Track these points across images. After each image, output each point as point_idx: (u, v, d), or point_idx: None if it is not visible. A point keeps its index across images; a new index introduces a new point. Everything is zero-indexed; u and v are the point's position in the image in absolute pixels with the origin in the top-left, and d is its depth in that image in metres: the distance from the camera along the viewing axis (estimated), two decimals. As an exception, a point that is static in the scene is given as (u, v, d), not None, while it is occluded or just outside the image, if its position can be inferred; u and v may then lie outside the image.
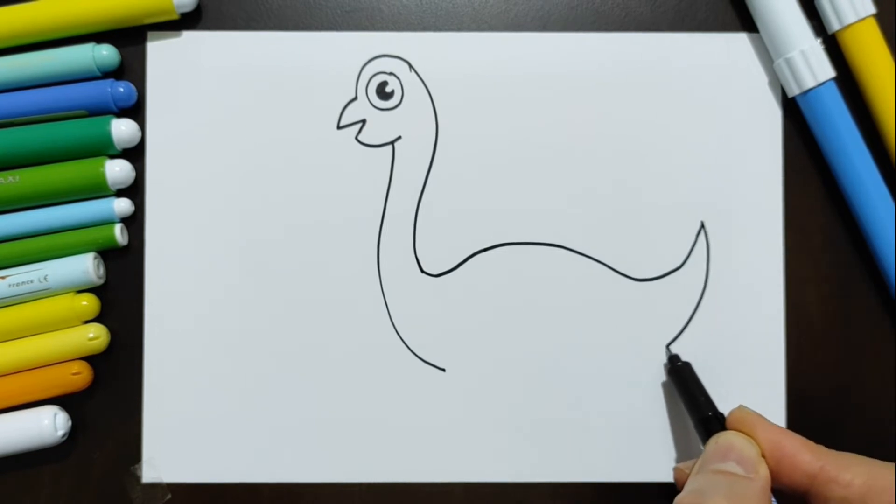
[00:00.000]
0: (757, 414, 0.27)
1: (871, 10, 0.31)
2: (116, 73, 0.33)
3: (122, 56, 0.32)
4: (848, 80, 0.32)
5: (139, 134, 0.32)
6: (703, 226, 0.33)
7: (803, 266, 0.33)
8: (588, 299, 0.33)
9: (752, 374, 0.33)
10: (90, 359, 0.32)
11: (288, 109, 0.33)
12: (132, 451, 0.33)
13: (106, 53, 0.32)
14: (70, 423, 0.32)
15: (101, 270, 0.32)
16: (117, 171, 0.32)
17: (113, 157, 0.32)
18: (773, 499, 0.25)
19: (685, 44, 0.33)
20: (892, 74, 0.31)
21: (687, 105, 0.33)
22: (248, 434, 0.33)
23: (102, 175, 0.31)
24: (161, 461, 0.33)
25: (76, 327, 0.32)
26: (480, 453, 0.33)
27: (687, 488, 0.25)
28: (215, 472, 0.33)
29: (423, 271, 0.33)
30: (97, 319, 0.32)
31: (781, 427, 0.26)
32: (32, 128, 0.32)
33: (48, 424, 0.31)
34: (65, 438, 0.32)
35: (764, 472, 0.25)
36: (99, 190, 0.32)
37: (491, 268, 0.33)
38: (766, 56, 0.33)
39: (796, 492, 0.25)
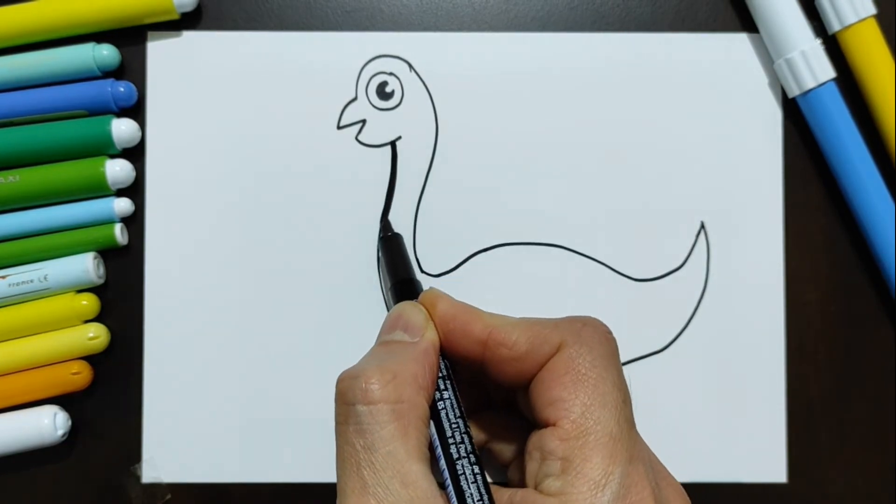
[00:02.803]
0: (444, 293, 0.27)
1: (872, 10, 0.31)
2: (117, 73, 0.33)
3: (122, 56, 0.32)
4: (848, 81, 0.32)
5: (139, 134, 0.32)
6: (703, 226, 0.33)
7: (803, 266, 0.33)
8: (588, 299, 0.33)
9: (752, 374, 0.33)
10: (90, 359, 0.32)
11: (288, 109, 0.33)
12: (132, 450, 0.33)
13: (106, 53, 0.32)
14: (70, 422, 0.32)
15: (101, 270, 0.32)
16: (117, 170, 0.32)
17: (113, 156, 0.32)
18: (442, 360, 0.25)
19: (685, 44, 0.33)
20: (892, 75, 0.31)
21: (687, 105, 0.33)
22: (248, 434, 0.33)
23: (102, 175, 0.31)
24: (161, 461, 0.33)
25: (76, 327, 0.32)
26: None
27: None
28: (215, 472, 0.33)
29: (423, 271, 0.33)
30: (97, 319, 0.32)
31: (467, 304, 0.26)
32: (32, 128, 0.32)
33: (48, 424, 0.31)
34: (65, 438, 0.32)
35: (430, 336, 0.25)
36: (99, 190, 0.32)
37: (491, 268, 0.33)
38: (766, 56, 0.33)
39: (474, 360, 0.25)
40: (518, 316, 0.26)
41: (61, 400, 0.32)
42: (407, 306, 0.26)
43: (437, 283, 0.33)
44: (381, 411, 0.22)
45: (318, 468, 0.33)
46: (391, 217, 0.33)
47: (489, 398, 0.29)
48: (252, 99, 0.33)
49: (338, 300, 0.33)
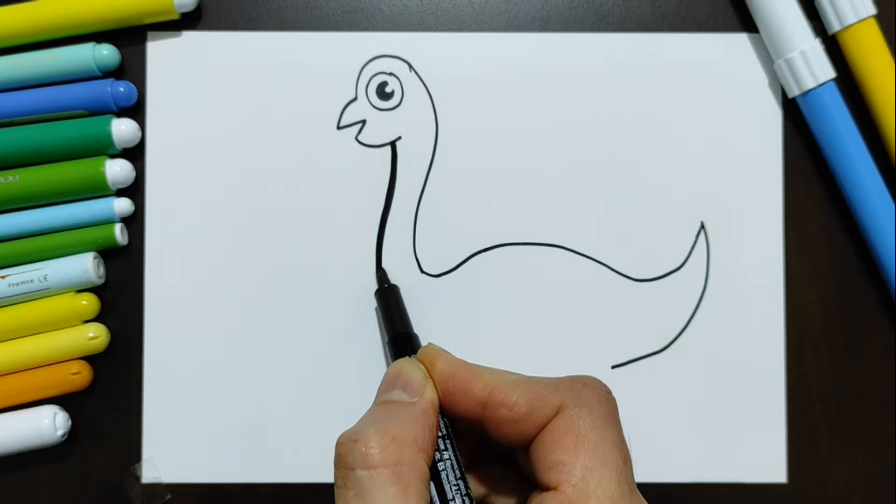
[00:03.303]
0: (442, 349, 0.27)
1: (872, 10, 0.31)
2: (117, 73, 0.33)
3: (122, 56, 0.32)
4: (848, 81, 0.32)
5: (139, 134, 0.32)
6: (703, 226, 0.33)
7: (803, 266, 0.33)
8: (588, 300, 0.33)
9: (752, 374, 0.33)
10: (90, 359, 0.32)
11: (288, 109, 0.33)
12: (132, 450, 0.33)
13: (106, 53, 0.32)
14: (70, 422, 0.32)
15: (101, 270, 0.32)
16: (117, 170, 0.32)
17: (113, 156, 0.32)
18: (442, 419, 0.25)
19: (685, 44, 0.33)
20: (892, 75, 0.31)
21: (687, 105, 0.33)
22: (248, 434, 0.33)
23: (102, 175, 0.31)
24: (161, 461, 0.33)
25: (76, 327, 0.32)
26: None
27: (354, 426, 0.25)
28: (215, 472, 0.33)
29: (423, 271, 0.33)
30: (97, 319, 0.32)
31: (465, 361, 0.26)
32: (32, 128, 0.32)
33: (48, 424, 0.31)
34: (64, 438, 0.32)
35: (429, 395, 0.25)
36: (99, 189, 0.32)
37: (491, 268, 0.33)
38: (767, 56, 0.33)
39: (473, 419, 0.25)
40: (515, 375, 0.26)
41: (61, 400, 0.32)
42: (405, 364, 0.26)
43: (437, 284, 0.33)
44: (381, 475, 0.22)
45: (319, 468, 0.33)
46: (391, 217, 0.33)
47: (487, 451, 0.28)
48: (252, 99, 0.33)
49: (337, 300, 0.33)
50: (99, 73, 0.32)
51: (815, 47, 0.31)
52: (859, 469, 0.33)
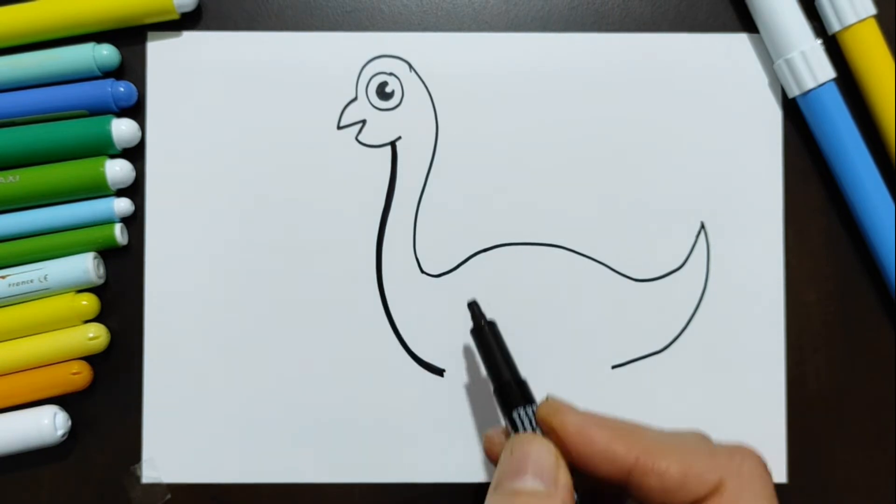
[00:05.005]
0: (564, 404, 0.24)
1: (872, 10, 0.31)
2: (117, 73, 0.33)
3: (122, 56, 0.32)
4: (848, 81, 0.32)
5: (139, 134, 0.32)
6: (703, 226, 0.33)
7: (803, 266, 0.33)
8: (588, 300, 0.33)
9: (752, 374, 0.33)
10: (90, 359, 0.32)
11: (288, 109, 0.33)
12: (132, 451, 0.33)
13: (106, 53, 0.32)
14: (70, 422, 0.32)
15: (101, 270, 0.32)
16: (117, 170, 0.32)
17: (113, 156, 0.32)
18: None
19: (685, 44, 0.33)
20: (892, 75, 0.31)
21: (687, 105, 0.33)
22: (248, 434, 0.33)
23: (102, 175, 0.31)
24: (161, 461, 0.33)
25: (76, 327, 0.32)
26: (480, 454, 0.33)
27: None
28: (215, 472, 0.33)
29: (423, 271, 0.33)
30: (97, 319, 0.32)
31: (592, 415, 0.24)
32: (32, 128, 0.32)
33: (48, 424, 0.31)
34: (64, 438, 0.32)
35: (564, 481, 0.23)
36: (99, 190, 0.32)
37: (491, 268, 0.33)
38: (767, 56, 0.33)
39: (613, 483, 0.23)
40: (662, 435, 0.23)
41: (61, 400, 0.32)
42: (533, 446, 0.24)
43: (437, 284, 0.33)
44: None
45: (318, 468, 0.33)
46: (391, 217, 0.33)
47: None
48: (252, 99, 0.33)
49: (337, 300, 0.33)
50: (99, 73, 0.32)
51: (815, 47, 0.31)
52: (859, 469, 0.33)
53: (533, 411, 0.26)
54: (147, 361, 0.33)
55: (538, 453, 0.23)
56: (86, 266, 0.31)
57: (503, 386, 0.27)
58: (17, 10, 0.32)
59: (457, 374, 0.33)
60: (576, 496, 0.23)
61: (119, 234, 0.32)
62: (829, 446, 0.33)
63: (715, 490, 0.22)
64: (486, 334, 0.28)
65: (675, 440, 0.23)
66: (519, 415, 0.26)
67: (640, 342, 0.33)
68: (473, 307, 0.29)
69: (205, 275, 0.33)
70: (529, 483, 0.23)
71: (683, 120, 0.33)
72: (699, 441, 0.23)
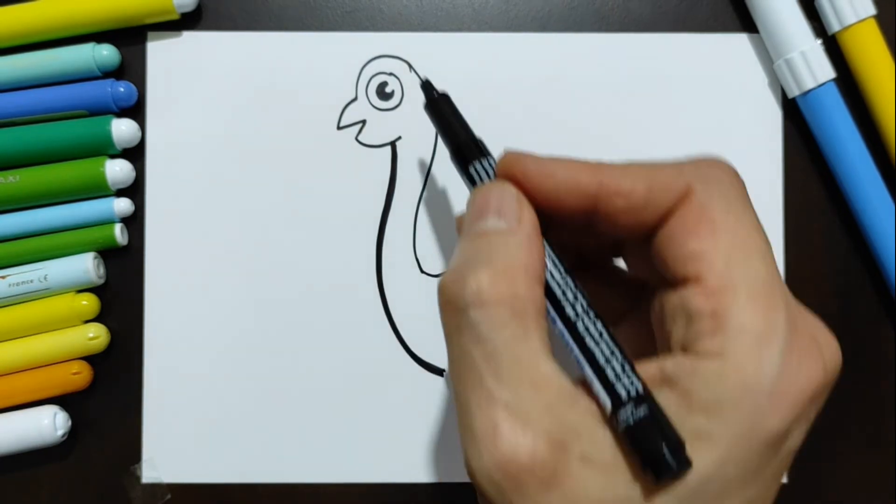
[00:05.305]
0: (523, 152, 0.23)
1: (872, 11, 0.31)
2: (117, 73, 0.33)
3: (122, 56, 0.32)
4: (848, 81, 0.32)
5: (139, 134, 0.32)
6: (703, 226, 0.33)
7: (803, 266, 0.33)
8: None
9: (751, 374, 0.33)
10: (90, 359, 0.32)
11: (288, 109, 0.33)
12: (132, 451, 0.33)
13: (106, 53, 0.32)
14: (70, 422, 0.32)
15: (101, 270, 0.32)
16: (117, 170, 0.32)
17: (113, 156, 0.32)
18: (545, 243, 0.22)
19: (685, 44, 0.33)
20: (892, 75, 0.31)
21: (687, 105, 0.33)
22: (248, 434, 0.33)
23: (102, 175, 0.31)
24: (161, 461, 0.33)
25: (76, 327, 0.32)
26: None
27: (451, 262, 0.22)
28: (215, 472, 0.33)
29: (423, 271, 0.33)
30: (97, 319, 0.32)
31: (556, 156, 0.23)
32: (32, 128, 0.32)
33: (48, 424, 0.31)
34: (64, 438, 0.32)
35: (528, 217, 0.22)
36: (99, 190, 0.32)
37: (491, 268, 0.33)
38: (766, 57, 0.33)
39: (584, 217, 0.22)
40: (623, 161, 0.22)
41: (61, 400, 0.32)
42: (493, 187, 0.23)
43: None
44: (497, 313, 0.20)
45: (318, 468, 0.33)
46: (391, 217, 0.33)
47: (579, 261, 0.25)
48: (252, 99, 0.33)
49: (337, 300, 0.33)
50: (99, 73, 0.32)
51: (815, 47, 0.31)
52: (859, 469, 0.33)
53: (490, 164, 0.25)
54: (147, 361, 0.33)
55: (498, 194, 0.22)
56: (86, 266, 0.31)
57: (460, 146, 0.25)
58: (17, 10, 0.32)
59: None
60: (549, 241, 0.22)
61: (119, 234, 0.32)
62: (829, 446, 0.33)
63: (683, 197, 0.21)
64: (439, 104, 0.27)
65: (637, 162, 0.22)
66: (475, 168, 0.25)
67: (640, 342, 0.33)
68: (425, 85, 0.28)
69: (205, 275, 0.33)
70: (492, 223, 0.22)
71: (683, 120, 0.33)
72: (664, 162, 0.22)
